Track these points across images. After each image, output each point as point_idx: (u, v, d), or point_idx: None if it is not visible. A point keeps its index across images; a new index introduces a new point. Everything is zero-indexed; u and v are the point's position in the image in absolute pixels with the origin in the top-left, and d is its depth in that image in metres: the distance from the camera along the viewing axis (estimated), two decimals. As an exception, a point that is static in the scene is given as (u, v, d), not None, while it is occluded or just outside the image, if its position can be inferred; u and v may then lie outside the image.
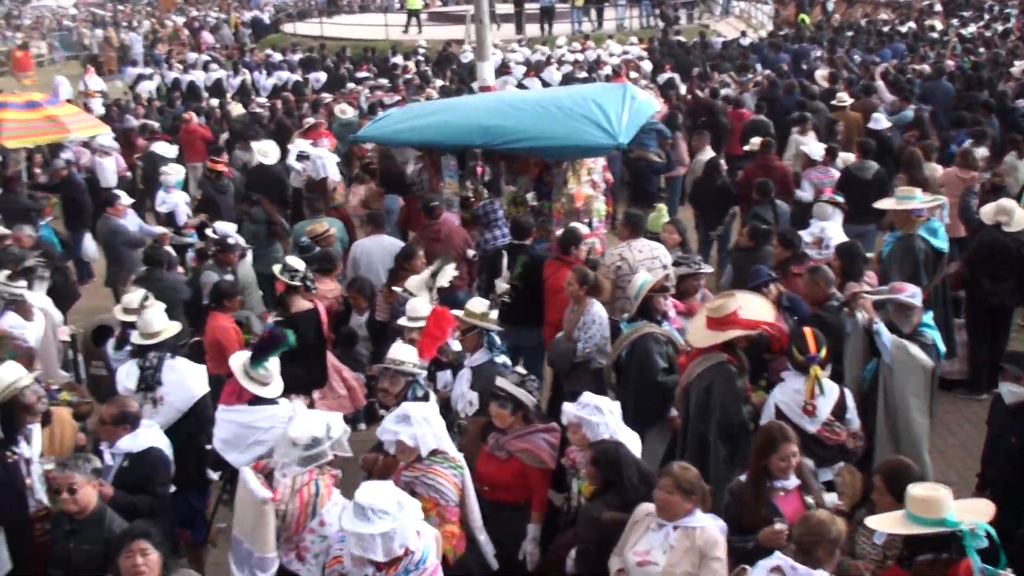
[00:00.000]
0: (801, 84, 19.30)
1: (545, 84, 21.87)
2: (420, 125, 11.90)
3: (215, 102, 23.13)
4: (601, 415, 6.19)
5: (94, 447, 6.74)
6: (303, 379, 8.57)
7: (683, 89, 20.88)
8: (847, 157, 13.18)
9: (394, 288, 9.39)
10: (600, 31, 33.29)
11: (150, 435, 6.67)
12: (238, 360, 6.99)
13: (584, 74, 23.05)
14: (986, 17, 32.53)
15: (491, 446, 6.53)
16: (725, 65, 23.80)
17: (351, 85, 23.83)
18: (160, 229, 12.66)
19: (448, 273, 8.80)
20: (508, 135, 11.03)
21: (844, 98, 16.67)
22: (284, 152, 15.02)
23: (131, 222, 12.70)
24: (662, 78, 22.03)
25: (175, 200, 13.60)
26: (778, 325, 7.57)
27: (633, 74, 22.22)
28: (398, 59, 27.86)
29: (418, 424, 5.99)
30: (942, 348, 8.00)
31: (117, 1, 57.72)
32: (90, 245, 14.61)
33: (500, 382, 6.55)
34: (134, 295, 8.41)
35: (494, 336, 7.65)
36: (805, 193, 12.66)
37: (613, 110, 11.02)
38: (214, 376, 7.90)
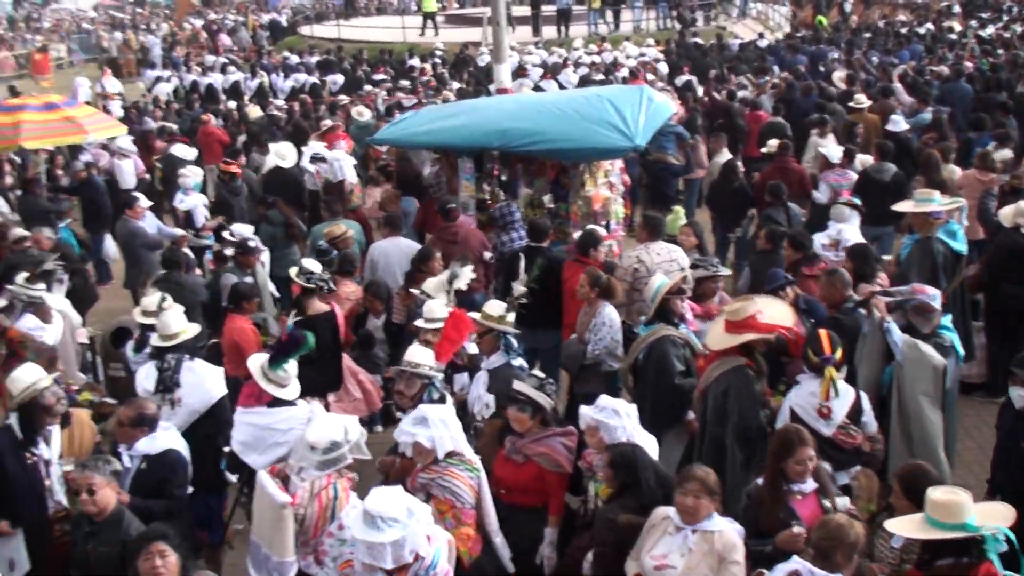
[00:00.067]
0: (819, 86, 19.16)
1: (562, 86, 21.86)
2: (437, 128, 11.90)
3: (233, 104, 23.19)
4: (618, 418, 6.19)
5: (112, 449, 6.78)
6: (318, 382, 8.57)
7: (700, 91, 20.81)
8: (865, 159, 13.11)
9: (411, 290, 9.39)
10: (617, 33, 33.22)
11: (168, 437, 6.70)
12: (256, 362, 6.99)
13: (601, 76, 23.03)
14: (1005, 18, 32.27)
15: (508, 450, 6.52)
16: (742, 67, 23.71)
17: (368, 87, 23.91)
18: (178, 231, 12.70)
19: (466, 276, 8.78)
20: (525, 137, 11.02)
21: (862, 100, 16.53)
22: (302, 155, 15.06)
23: (150, 224, 12.71)
24: (679, 80, 21.92)
25: (194, 202, 13.64)
26: (796, 329, 7.56)
27: (650, 76, 22.15)
28: (415, 61, 27.85)
29: (435, 426, 6.00)
30: (961, 351, 7.95)
31: (136, 4, 58.08)
32: (111, 247, 14.65)
33: (519, 386, 6.53)
34: (153, 297, 8.43)
35: (511, 339, 7.63)
36: (822, 195, 12.62)
37: (630, 112, 11.01)
38: (232, 378, 7.94)
